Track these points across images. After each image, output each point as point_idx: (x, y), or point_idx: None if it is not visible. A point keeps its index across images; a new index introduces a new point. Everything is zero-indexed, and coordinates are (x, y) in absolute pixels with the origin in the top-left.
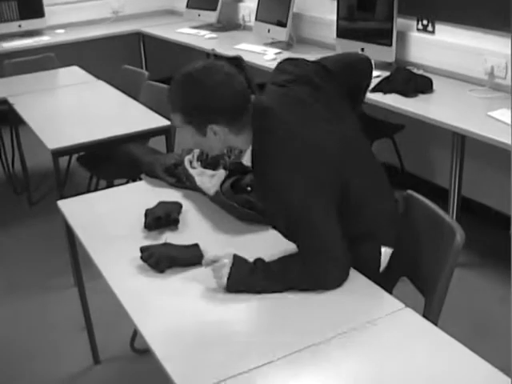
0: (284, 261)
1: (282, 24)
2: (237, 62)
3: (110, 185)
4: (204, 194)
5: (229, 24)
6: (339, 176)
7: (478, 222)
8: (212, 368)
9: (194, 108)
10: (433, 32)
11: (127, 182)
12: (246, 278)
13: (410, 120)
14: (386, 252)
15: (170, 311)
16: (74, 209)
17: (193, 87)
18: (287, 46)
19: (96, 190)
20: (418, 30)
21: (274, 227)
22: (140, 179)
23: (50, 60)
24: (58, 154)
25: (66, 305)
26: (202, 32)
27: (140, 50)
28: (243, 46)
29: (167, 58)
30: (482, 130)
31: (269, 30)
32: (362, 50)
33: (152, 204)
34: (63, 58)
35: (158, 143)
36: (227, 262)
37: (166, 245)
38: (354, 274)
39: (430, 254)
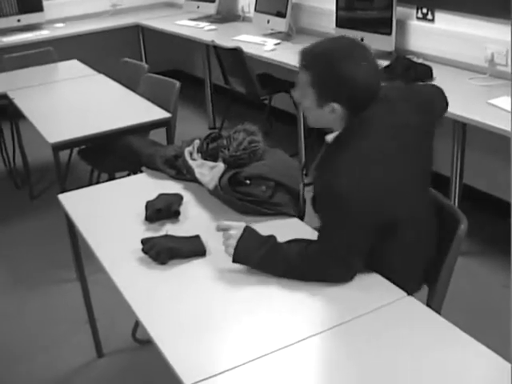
0: (293, 247)
1: (282, 15)
2: (236, 53)
3: (111, 178)
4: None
5: (228, 15)
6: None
7: (479, 209)
8: (215, 358)
9: (333, 79)
10: (432, 20)
11: (128, 175)
12: (251, 253)
13: None
14: None
15: (171, 302)
16: (74, 202)
17: (343, 60)
18: (287, 36)
19: (98, 183)
20: (417, 18)
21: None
22: (141, 172)
23: (49, 54)
24: (58, 147)
25: (69, 298)
26: (202, 24)
27: (139, 42)
28: (243, 37)
29: (167, 51)
30: (482, 118)
31: (268, 21)
32: (362, 39)
33: (152, 196)
34: (63, 51)
35: (159, 135)
36: (237, 232)
37: (167, 237)
38: None
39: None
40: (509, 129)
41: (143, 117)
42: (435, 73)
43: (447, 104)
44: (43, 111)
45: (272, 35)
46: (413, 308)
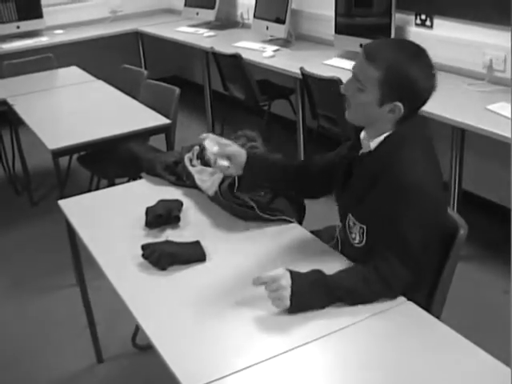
0: (351, 275)
1: (281, 21)
2: (235, 59)
3: (111, 184)
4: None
5: (227, 22)
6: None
7: (478, 215)
8: (216, 363)
9: (403, 80)
10: (431, 27)
11: (128, 181)
12: (309, 299)
13: None
14: None
15: (172, 307)
16: (74, 208)
17: (413, 63)
18: (286, 42)
19: (97, 189)
20: (416, 24)
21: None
22: (141, 178)
23: (49, 60)
24: (58, 153)
25: (69, 304)
26: (201, 30)
27: (139, 49)
28: (242, 43)
29: (166, 57)
30: (481, 124)
31: (267, 27)
32: (361, 45)
33: (152, 202)
34: (62, 58)
35: (159, 141)
36: (286, 283)
37: (167, 242)
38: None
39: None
40: (509, 135)
41: (143, 123)
42: None
43: None
44: (43, 117)
45: (271, 41)
46: (413, 314)
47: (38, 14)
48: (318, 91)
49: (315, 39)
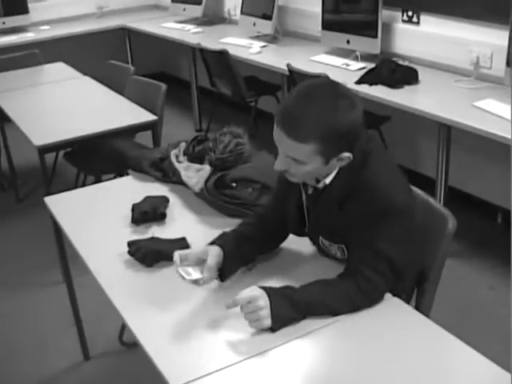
0: (327, 288)
1: (268, 17)
2: (222, 55)
3: (97, 180)
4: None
5: (214, 18)
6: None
7: (465, 211)
8: (202, 360)
9: (338, 136)
10: (418, 23)
11: (115, 178)
12: (289, 312)
13: (396, 111)
14: None
15: (158, 305)
16: (60, 205)
17: (337, 102)
18: (273, 39)
19: (84, 185)
20: (403, 21)
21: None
22: (127, 174)
23: (34, 56)
24: (44, 150)
25: (55, 301)
26: (188, 26)
27: (125, 45)
28: (229, 39)
29: (153, 53)
30: (467, 120)
31: (254, 24)
32: (348, 42)
33: (139, 199)
34: (48, 54)
35: (145, 138)
36: (264, 303)
37: (153, 239)
38: (339, 266)
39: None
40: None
41: (129, 119)
42: (420, 75)
43: None
44: (29, 114)
45: (258, 38)
46: (400, 310)
47: (23, 10)
48: None
49: (302, 35)
